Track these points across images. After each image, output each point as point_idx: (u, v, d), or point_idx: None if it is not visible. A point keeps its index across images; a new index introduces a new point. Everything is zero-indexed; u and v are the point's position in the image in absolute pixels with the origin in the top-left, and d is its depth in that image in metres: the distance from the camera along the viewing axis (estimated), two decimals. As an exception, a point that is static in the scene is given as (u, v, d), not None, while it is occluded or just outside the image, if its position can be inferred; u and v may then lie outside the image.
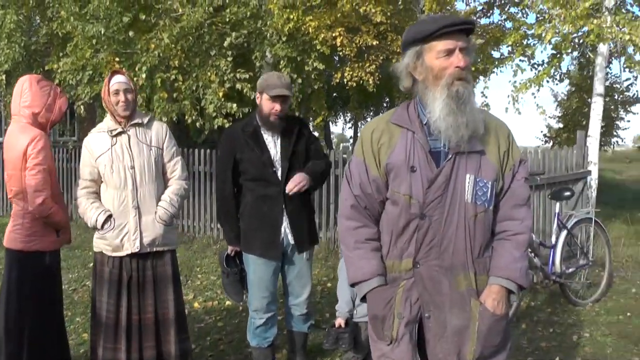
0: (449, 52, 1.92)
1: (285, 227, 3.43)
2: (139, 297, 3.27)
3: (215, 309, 5.17)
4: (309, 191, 3.54)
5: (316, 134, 12.88)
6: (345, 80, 9.17)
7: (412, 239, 2.00)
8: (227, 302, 5.20)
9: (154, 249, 3.30)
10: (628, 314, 5.01)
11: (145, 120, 3.35)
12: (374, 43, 8.77)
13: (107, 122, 3.32)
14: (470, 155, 1.96)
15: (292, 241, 3.45)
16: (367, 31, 8.73)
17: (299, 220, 3.45)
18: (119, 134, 3.27)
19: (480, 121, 1.96)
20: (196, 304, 5.28)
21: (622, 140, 20.41)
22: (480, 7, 10.47)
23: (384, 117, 2.14)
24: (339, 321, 3.37)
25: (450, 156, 1.95)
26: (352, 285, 2.18)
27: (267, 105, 3.35)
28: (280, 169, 3.40)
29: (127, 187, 3.23)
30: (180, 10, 8.10)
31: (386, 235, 2.09)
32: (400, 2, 9.01)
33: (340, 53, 9.05)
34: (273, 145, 3.43)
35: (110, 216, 3.22)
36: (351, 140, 30.95)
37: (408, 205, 1.99)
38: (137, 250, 3.23)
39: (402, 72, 2.04)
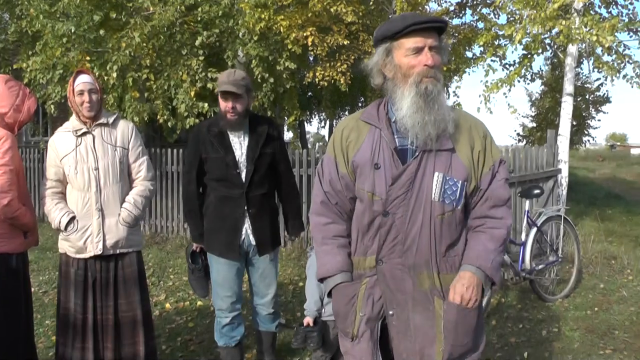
0: (418, 50, 1.91)
1: (247, 228, 3.41)
2: (102, 299, 3.23)
3: (186, 309, 5.13)
4: (272, 194, 3.56)
5: (290, 133, 12.89)
6: (317, 79, 9.16)
7: (375, 236, 2.00)
8: (199, 303, 5.17)
9: (118, 251, 3.26)
10: (595, 309, 5.10)
11: (111, 119, 3.30)
12: (345, 43, 8.77)
13: (73, 122, 3.26)
14: (440, 153, 1.94)
15: (253, 243, 3.43)
16: (339, 31, 8.73)
17: (261, 223, 3.44)
18: (84, 134, 3.22)
19: (449, 120, 1.93)
20: (168, 305, 5.23)
21: (594, 139, 20.79)
22: (452, 8, 10.56)
23: (356, 115, 2.15)
24: (308, 320, 3.36)
25: (417, 154, 1.94)
26: (320, 280, 2.19)
27: (221, 103, 3.33)
28: (244, 171, 3.37)
29: (91, 189, 3.18)
30: (151, 9, 8.00)
31: (354, 232, 2.10)
32: (372, 3, 8.99)
33: (312, 52, 9.05)
34: (239, 146, 3.39)
35: (73, 218, 3.17)
36: (326, 140, 30.97)
37: (371, 202, 1.99)
38: (99, 252, 3.19)
39: (372, 69, 2.04)
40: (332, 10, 8.36)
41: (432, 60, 1.91)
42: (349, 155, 2.06)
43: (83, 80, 3.18)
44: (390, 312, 2.00)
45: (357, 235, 2.08)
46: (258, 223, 3.42)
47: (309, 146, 25.23)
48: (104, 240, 3.19)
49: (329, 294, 2.16)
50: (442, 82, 2.00)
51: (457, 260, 2.00)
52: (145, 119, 8.37)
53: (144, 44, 7.87)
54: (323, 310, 3.38)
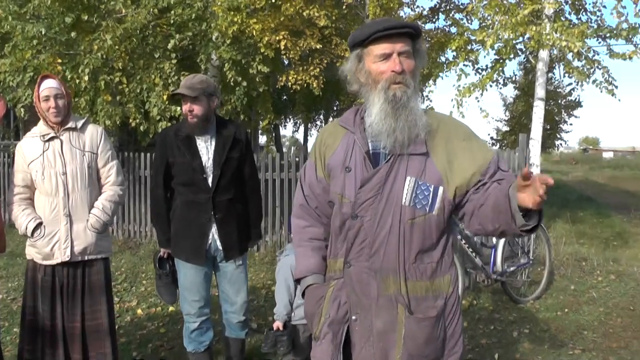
0: (386, 57, 1.90)
1: (214, 233, 3.40)
2: (69, 306, 3.18)
3: (158, 315, 5.08)
4: (240, 199, 3.54)
5: (264, 137, 12.84)
6: (289, 83, 9.15)
7: (345, 239, 2.00)
8: (170, 308, 5.12)
9: (86, 258, 3.20)
10: (566, 309, 5.19)
11: (80, 124, 3.25)
12: (318, 47, 8.76)
13: (40, 127, 3.21)
14: (413, 157, 1.91)
15: (220, 248, 3.42)
16: (311, 35, 8.72)
17: (228, 228, 3.42)
18: (52, 139, 3.17)
19: (420, 125, 1.91)
20: (139, 311, 5.17)
21: (566, 143, 21.15)
22: (425, 13, 10.65)
23: (336, 120, 2.16)
24: (277, 324, 3.35)
25: (389, 158, 1.93)
26: (296, 281, 2.21)
27: (183, 106, 3.33)
28: (211, 175, 3.36)
29: (59, 195, 3.13)
30: (123, 11, 7.92)
31: (330, 235, 2.10)
32: (345, 7, 9.02)
33: (285, 56, 9.04)
34: (205, 151, 3.38)
35: (40, 224, 3.12)
36: (301, 143, 30.90)
37: (341, 204, 1.99)
38: (67, 259, 3.13)
39: (347, 75, 2.04)
40: (304, 14, 8.36)
41: (400, 66, 1.89)
42: (325, 159, 2.08)
43: (48, 86, 3.13)
44: (354, 317, 1.98)
45: (331, 238, 2.09)
46: (225, 228, 3.40)
47: (284, 150, 25.18)
48: (72, 247, 3.14)
49: (303, 295, 2.17)
50: (415, 87, 1.97)
51: (429, 268, 1.95)
52: (118, 122, 8.26)
53: (116, 47, 7.78)
54: (293, 314, 3.38)
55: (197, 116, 3.28)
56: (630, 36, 7.82)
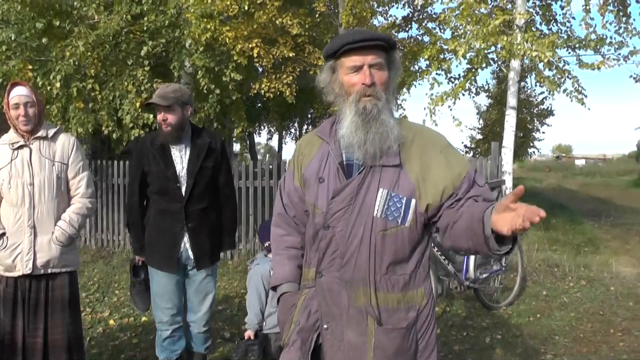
0: (357, 69, 1.90)
1: (186, 242, 3.40)
2: (30, 320, 3.09)
3: (131, 325, 5.00)
4: (214, 209, 3.54)
5: (238, 145, 12.81)
6: (262, 91, 9.15)
7: (317, 249, 2.00)
8: (143, 318, 5.05)
9: (49, 271, 3.11)
10: (538, 315, 5.26)
11: (51, 133, 3.17)
12: (291, 55, 8.79)
13: (10, 134, 3.13)
14: (387, 169, 1.91)
15: (191, 257, 3.42)
16: (284, 43, 8.74)
17: (200, 237, 3.42)
18: (21, 147, 3.09)
19: (393, 137, 1.91)
20: (112, 322, 5.09)
21: (539, 151, 21.48)
22: (398, 22, 10.75)
23: (315, 130, 2.16)
24: (249, 333, 3.34)
25: (361, 169, 1.93)
26: (273, 289, 2.21)
27: (157, 115, 3.35)
28: (184, 184, 3.37)
29: (24, 205, 3.05)
30: (96, 17, 7.85)
31: (306, 244, 2.11)
32: (318, 15, 9.05)
33: (258, 64, 9.05)
34: (180, 160, 3.39)
35: (3, 234, 3.04)
36: (275, 151, 30.80)
37: (314, 214, 2.00)
38: (29, 271, 3.04)
39: (323, 86, 2.04)
40: (278, 22, 8.39)
41: (370, 78, 1.89)
42: (302, 168, 2.09)
43: (18, 93, 3.06)
44: (325, 326, 1.99)
45: (306, 247, 2.10)
46: (197, 237, 3.40)
47: (259, 157, 25.11)
48: (35, 259, 3.05)
49: (277, 302, 2.18)
50: (387, 99, 1.96)
51: (402, 279, 1.94)
52: (90, 130, 8.15)
53: (89, 53, 7.70)
54: (264, 323, 3.36)
55: (171, 125, 3.29)
56: (598, 47, 8.01)
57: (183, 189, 3.36)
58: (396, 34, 10.46)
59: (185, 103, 3.34)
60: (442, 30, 9.70)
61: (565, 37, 8.97)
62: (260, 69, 10.66)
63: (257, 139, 29.88)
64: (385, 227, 1.90)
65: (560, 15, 9.47)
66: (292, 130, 21.43)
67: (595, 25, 9.01)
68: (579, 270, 7.08)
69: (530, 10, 9.32)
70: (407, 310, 1.94)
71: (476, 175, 1.96)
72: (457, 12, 7.50)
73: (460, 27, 7.63)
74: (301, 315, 2.02)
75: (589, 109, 8.52)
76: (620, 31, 8.58)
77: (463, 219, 1.82)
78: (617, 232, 10.78)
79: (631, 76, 8.37)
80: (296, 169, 2.12)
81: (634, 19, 8.84)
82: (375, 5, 9.68)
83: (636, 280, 6.70)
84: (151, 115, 7.79)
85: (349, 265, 1.93)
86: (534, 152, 21.23)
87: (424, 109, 7.76)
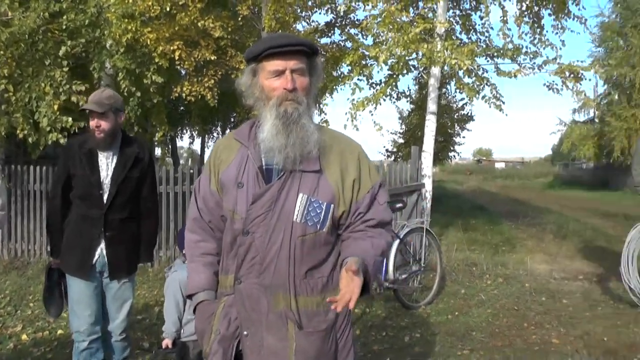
0: (278, 73, 1.91)
1: (102, 249, 3.35)
2: None
3: (46, 339, 4.78)
4: (136, 221, 3.50)
5: (159, 150, 12.57)
6: (184, 94, 9.01)
7: (235, 255, 1.99)
8: (59, 331, 4.86)
9: None
10: (456, 313, 5.46)
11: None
12: (213, 58, 8.69)
13: None
14: (306, 174, 1.93)
15: (107, 265, 3.37)
16: (207, 45, 8.63)
17: (117, 247, 3.38)
18: None
19: (313, 142, 1.93)
20: (24, 336, 4.83)
21: (459, 155, 22.24)
22: (321, 27, 10.85)
23: (233, 133, 2.14)
24: (166, 342, 3.28)
25: (281, 174, 1.93)
26: (188, 297, 2.16)
27: (90, 121, 3.31)
28: (107, 192, 3.34)
29: None
30: (10, 14, 7.46)
31: (223, 251, 2.08)
32: (241, 19, 8.99)
33: (179, 67, 8.91)
34: (106, 167, 3.37)
35: None
36: (198, 155, 30.28)
37: (232, 220, 1.98)
38: None
39: (243, 89, 2.03)
40: (200, 24, 8.27)
41: (292, 83, 1.90)
42: (219, 173, 2.05)
43: None
44: (245, 333, 1.98)
45: (223, 254, 2.07)
46: (114, 247, 3.36)
47: (182, 162, 24.64)
48: None
49: (194, 312, 2.13)
50: (308, 105, 1.98)
51: (320, 282, 1.97)
52: (3, 133, 7.75)
53: (2, 52, 7.32)
54: (182, 330, 3.32)
55: (104, 132, 3.28)
56: (515, 56, 8.40)
57: (105, 197, 3.32)
58: (319, 39, 10.54)
59: (118, 109, 3.35)
60: (364, 37, 9.86)
61: (484, 46, 9.36)
62: (183, 72, 10.49)
63: (179, 142, 29.29)
64: (304, 232, 1.92)
65: (479, 25, 9.89)
66: (215, 134, 21.21)
67: (512, 36, 9.42)
68: (497, 268, 7.41)
69: (451, 19, 9.68)
70: (326, 312, 1.97)
71: (379, 191, 2.03)
72: (379, 19, 7.65)
73: (382, 35, 7.81)
74: (221, 324, 2.00)
75: (506, 114, 8.92)
76: (535, 42, 9.06)
77: (345, 245, 2.01)
78: (533, 232, 11.29)
79: (544, 84, 8.83)
80: (212, 173, 2.09)
81: (547, 31, 9.34)
82: (299, 10, 9.74)
83: (549, 276, 7.11)
84: (70, 119, 7.50)
85: (268, 270, 1.93)
86: (454, 155, 21.95)
87: (346, 113, 7.87)
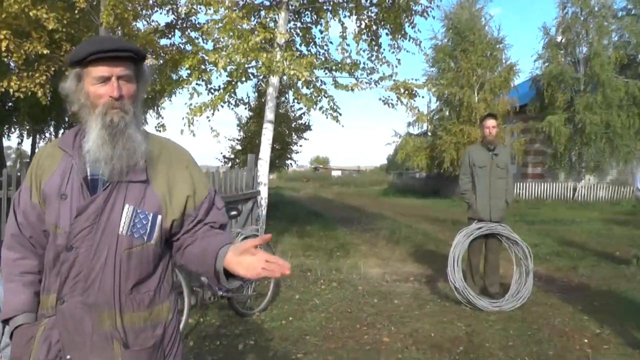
0: (104, 80, 1.80)
1: None
2: None
3: None
4: None
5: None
6: (11, 90, 8.17)
7: (58, 273, 1.83)
8: None
9: None
10: (290, 318, 5.57)
11: None
12: (46, 52, 8.02)
13: None
14: (134, 185, 1.85)
15: None
16: (39, 38, 7.92)
17: None
18: None
19: (140, 153, 1.85)
20: None
21: (296, 163, 22.91)
22: (161, 27, 10.55)
23: (56, 141, 1.97)
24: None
25: (107, 185, 1.83)
26: (4, 322, 1.94)
27: None
28: None
29: None
30: None
31: (45, 268, 1.90)
32: (77, 12, 8.38)
33: (6, 59, 8.08)
34: None
35: None
36: (29, 156, 27.85)
37: (55, 235, 1.83)
38: None
39: (68, 94, 1.87)
40: (31, 14, 7.56)
41: (118, 91, 1.81)
42: (41, 183, 1.89)
43: None
44: (68, 357, 1.83)
45: (45, 272, 1.90)
46: None
47: (9, 163, 22.41)
48: None
49: (11, 338, 1.92)
50: (135, 113, 1.90)
51: (147, 297, 1.90)
52: None
53: None
54: (1, 355, 2.99)
55: None
56: (352, 71, 8.86)
57: None
58: (159, 40, 10.23)
59: None
60: (204, 41, 9.77)
61: (323, 59, 9.75)
62: (12, 65, 9.53)
63: (6, 142, 26.54)
64: (131, 245, 1.84)
65: (319, 38, 10.36)
66: (47, 134, 19.65)
67: (351, 51, 9.95)
68: (331, 273, 7.69)
69: (292, 30, 9.94)
70: (153, 328, 1.90)
71: (216, 197, 2.02)
72: (220, 25, 7.61)
73: (222, 40, 7.78)
74: (40, 349, 1.83)
75: (343, 125, 9.37)
76: (373, 58, 9.65)
77: (196, 245, 1.90)
78: (367, 237, 11.85)
79: (380, 99, 9.40)
80: (34, 184, 1.91)
81: (384, 49, 10.00)
82: (139, 8, 9.35)
83: (382, 279, 7.52)
84: None
85: (92, 287, 1.81)
86: (292, 163, 22.55)
87: (183, 118, 7.72)
